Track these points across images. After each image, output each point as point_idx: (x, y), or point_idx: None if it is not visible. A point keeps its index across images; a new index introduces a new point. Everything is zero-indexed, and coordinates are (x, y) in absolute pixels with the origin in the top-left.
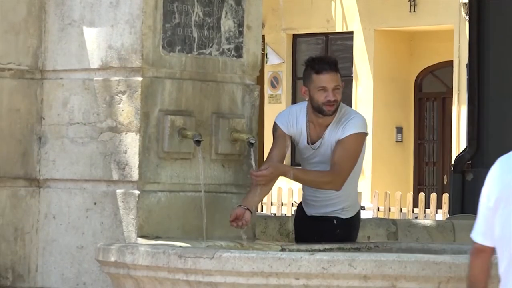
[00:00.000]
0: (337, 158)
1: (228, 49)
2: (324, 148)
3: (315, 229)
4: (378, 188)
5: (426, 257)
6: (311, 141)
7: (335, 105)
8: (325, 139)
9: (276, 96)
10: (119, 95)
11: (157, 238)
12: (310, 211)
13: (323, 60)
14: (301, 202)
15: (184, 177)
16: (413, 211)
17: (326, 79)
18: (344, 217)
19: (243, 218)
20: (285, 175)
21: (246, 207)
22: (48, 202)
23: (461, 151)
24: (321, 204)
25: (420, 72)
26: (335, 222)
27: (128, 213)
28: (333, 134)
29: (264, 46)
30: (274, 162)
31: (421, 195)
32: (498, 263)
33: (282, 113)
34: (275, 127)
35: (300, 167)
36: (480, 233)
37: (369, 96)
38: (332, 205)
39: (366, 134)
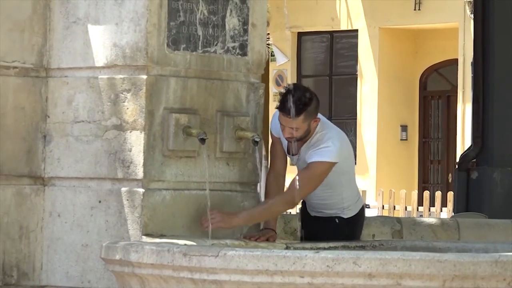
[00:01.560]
0: (298, 181)
1: (233, 47)
2: (301, 163)
3: (319, 228)
4: (383, 186)
5: (431, 255)
6: (291, 152)
7: (293, 140)
8: (301, 156)
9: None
10: (124, 93)
11: (161, 236)
12: (312, 212)
13: (293, 100)
14: (304, 201)
15: (188, 175)
16: (418, 209)
17: (282, 119)
18: (345, 216)
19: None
20: (239, 225)
21: (272, 228)
22: (53, 200)
23: (466, 149)
24: (319, 207)
25: (425, 70)
26: (337, 221)
27: (133, 211)
28: (306, 154)
29: (269, 46)
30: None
31: (426, 193)
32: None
33: (275, 114)
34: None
35: (249, 209)
36: None
37: (374, 94)
38: (329, 208)
39: (332, 163)
